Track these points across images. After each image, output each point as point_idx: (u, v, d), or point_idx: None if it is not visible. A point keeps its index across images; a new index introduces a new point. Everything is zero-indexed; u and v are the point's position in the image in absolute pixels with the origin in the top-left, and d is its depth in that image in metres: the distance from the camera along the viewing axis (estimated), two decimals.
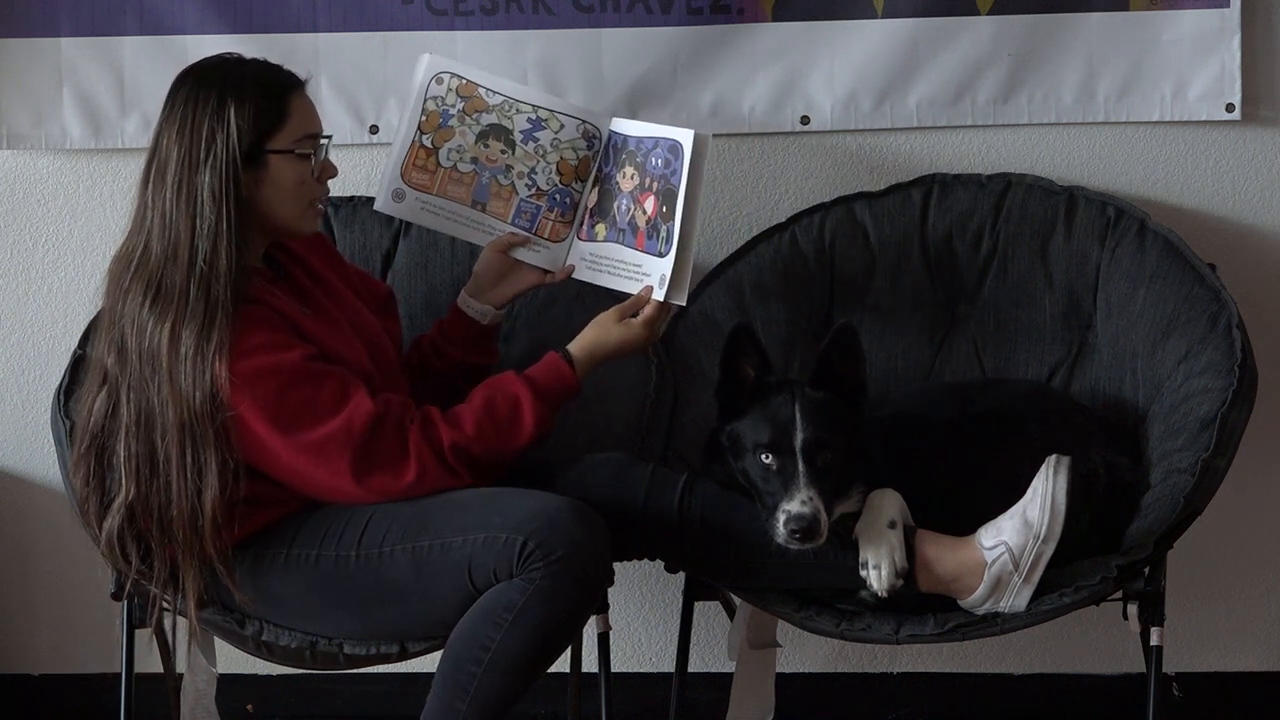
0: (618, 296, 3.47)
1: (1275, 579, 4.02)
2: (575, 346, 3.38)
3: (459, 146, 3.55)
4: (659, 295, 3.42)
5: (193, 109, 3.23)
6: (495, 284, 3.57)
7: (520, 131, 3.55)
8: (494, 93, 3.56)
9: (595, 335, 3.40)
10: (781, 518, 3.22)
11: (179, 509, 3.22)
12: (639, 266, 3.48)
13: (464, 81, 3.56)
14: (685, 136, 3.42)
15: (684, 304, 3.49)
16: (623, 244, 3.50)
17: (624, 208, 3.51)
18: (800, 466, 3.25)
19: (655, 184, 3.46)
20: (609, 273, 3.52)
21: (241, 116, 3.22)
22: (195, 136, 3.22)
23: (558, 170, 3.56)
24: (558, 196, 3.56)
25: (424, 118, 3.54)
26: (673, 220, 3.41)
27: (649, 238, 3.46)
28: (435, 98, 3.54)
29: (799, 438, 3.26)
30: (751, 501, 3.30)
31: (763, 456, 3.28)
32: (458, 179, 3.56)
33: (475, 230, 3.57)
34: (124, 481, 3.25)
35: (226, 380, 3.17)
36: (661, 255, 3.44)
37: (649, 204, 3.46)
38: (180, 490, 3.21)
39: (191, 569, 3.25)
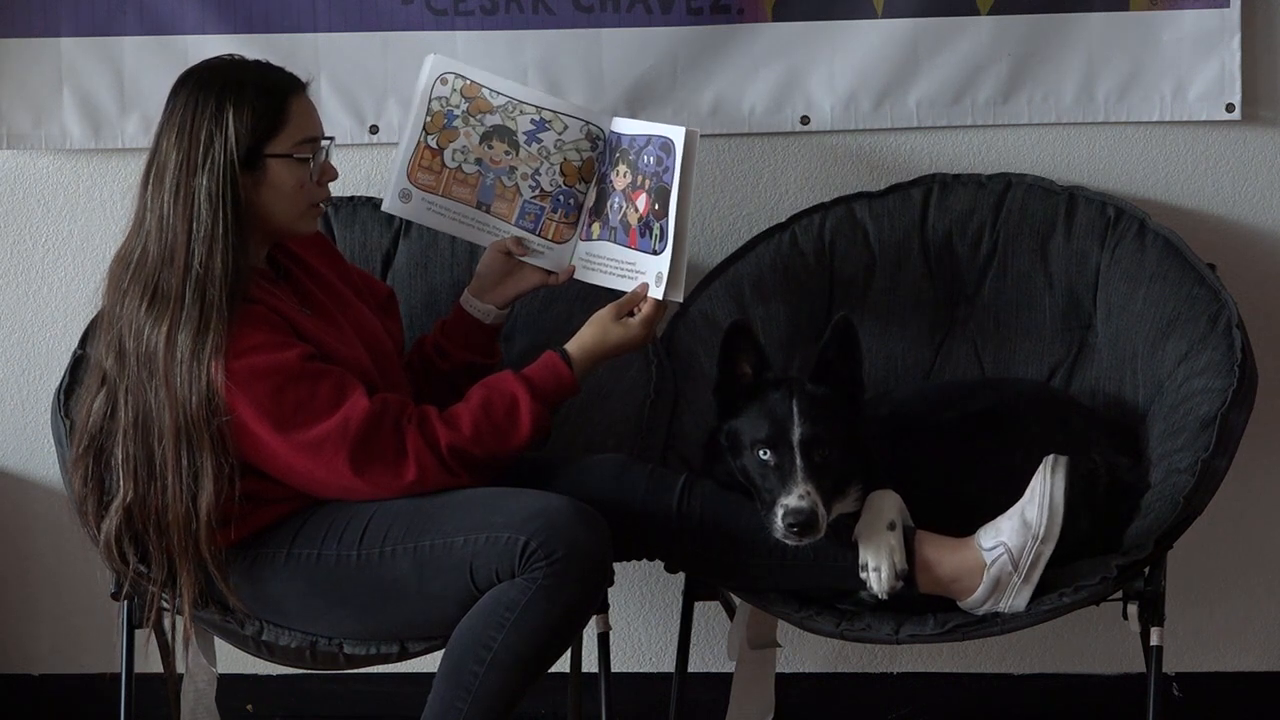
0: (616, 295, 3.47)
1: (1275, 579, 4.02)
2: (573, 346, 3.38)
3: (463, 147, 3.55)
4: (657, 293, 3.43)
5: (191, 112, 3.23)
6: (498, 284, 3.57)
7: (524, 133, 3.55)
8: (497, 94, 3.56)
9: (593, 335, 3.40)
10: (779, 512, 3.22)
11: (174, 513, 3.21)
12: (632, 264, 3.48)
13: (468, 82, 3.56)
14: (676, 134, 3.42)
15: (681, 300, 3.49)
16: (615, 242, 3.51)
17: (616, 206, 3.51)
18: (798, 461, 3.25)
19: (647, 182, 3.46)
20: (602, 271, 3.52)
21: (239, 121, 3.22)
22: (193, 140, 3.22)
23: (561, 171, 3.56)
24: (561, 198, 3.56)
25: (429, 118, 3.55)
26: (666, 217, 3.42)
27: (641, 235, 3.46)
28: (440, 98, 3.55)
29: (796, 433, 3.26)
30: (751, 501, 3.30)
31: (760, 453, 3.28)
32: (462, 180, 3.56)
33: (480, 231, 3.58)
34: (122, 483, 3.25)
35: (223, 381, 3.17)
36: (656, 253, 3.44)
37: (641, 202, 3.47)
38: (176, 494, 3.21)
39: (187, 572, 3.25)
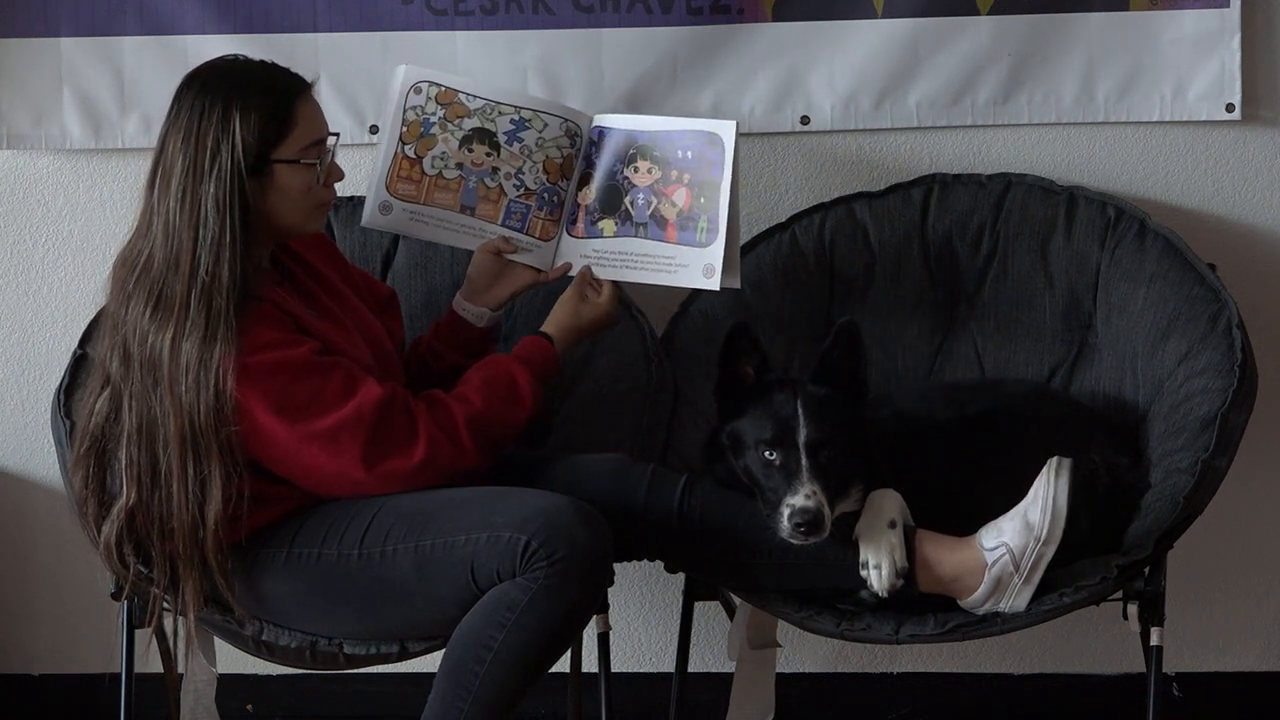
0: (647, 289, 3.52)
1: (1275, 579, 4.02)
2: (550, 327, 3.45)
3: (442, 154, 3.56)
4: (711, 284, 3.46)
5: (198, 118, 3.21)
6: (489, 286, 3.58)
7: (504, 133, 3.57)
8: (474, 97, 3.57)
9: (566, 314, 3.47)
10: (786, 512, 3.22)
11: (180, 520, 3.21)
12: (671, 258, 3.50)
13: (443, 89, 3.57)
14: (726, 128, 3.46)
15: (738, 287, 3.52)
16: (645, 238, 3.52)
17: (641, 202, 3.52)
18: (804, 462, 3.25)
19: (686, 176, 3.47)
20: (628, 267, 3.53)
21: (246, 128, 3.20)
22: (200, 147, 3.20)
23: (544, 169, 3.57)
24: (546, 195, 3.57)
25: (405, 128, 3.56)
26: (715, 210, 3.44)
27: (683, 229, 3.48)
28: (415, 107, 3.56)
29: (802, 433, 3.27)
30: (752, 501, 3.30)
31: (765, 453, 3.28)
32: (444, 186, 3.57)
33: (466, 235, 3.58)
34: (125, 488, 3.25)
35: (234, 382, 3.16)
36: (703, 245, 3.46)
37: (679, 196, 3.48)
38: (182, 502, 3.21)
39: (191, 579, 3.24)
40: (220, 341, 3.17)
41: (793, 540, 3.23)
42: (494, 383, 3.32)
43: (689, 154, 3.49)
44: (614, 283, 3.50)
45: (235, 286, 3.19)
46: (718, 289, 3.48)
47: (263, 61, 3.32)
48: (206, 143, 3.20)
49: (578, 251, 3.57)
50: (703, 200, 3.46)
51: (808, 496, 3.22)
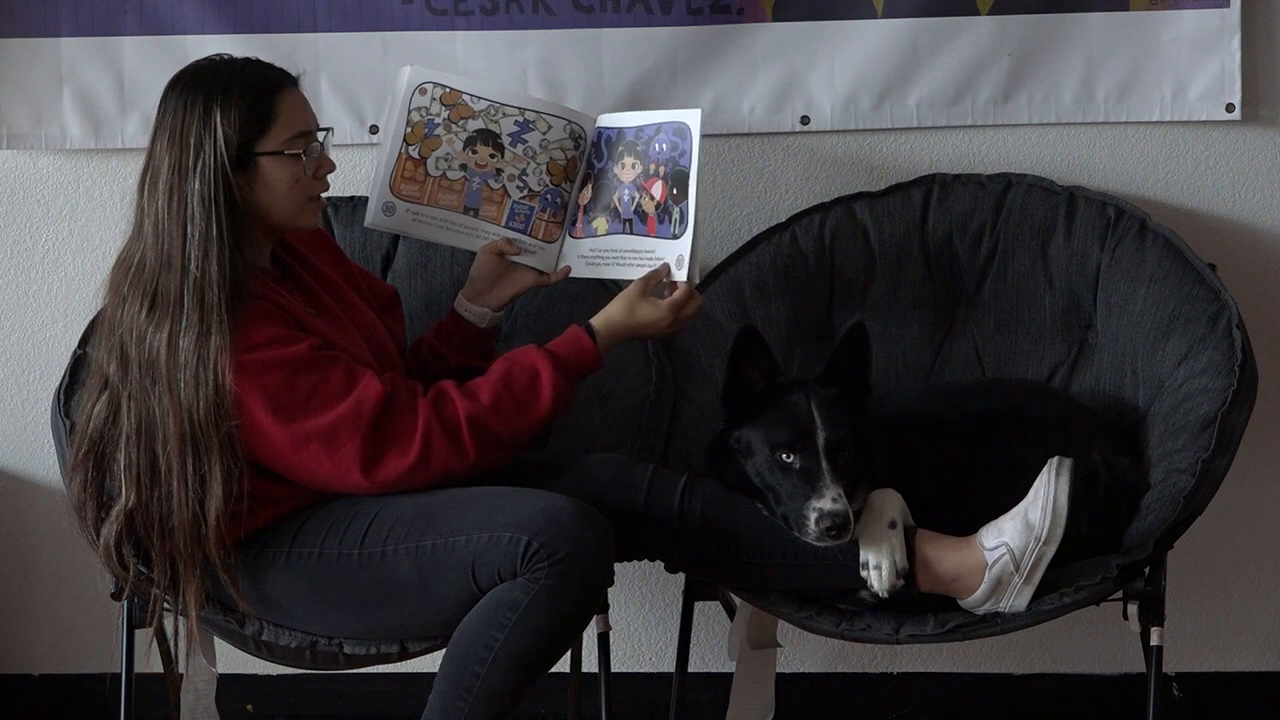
0: (622, 286, 3.48)
1: (1275, 579, 4.02)
2: (599, 320, 3.38)
3: (447, 154, 3.56)
4: (680, 275, 3.43)
5: (181, 116, 3.22)
6: (491, 287, 3.57)
7: (508, 134, 3.56)
8: (478, 98, 3.57)
9: (620, 311, 3.39)
10: (813, 515, 3.22)
11: (180, 518, 3.21)
12: (652, 251, 3.49)
13: (447, 90, 3.57)
14: (692, 117, 3.45)
15: (697, 281, 3.48)
16: (631, 233, 3.51)
17: (627, 198, 3.52)
18: (824, 464, 3.25)
19: (662, 169, 3.47)
20: (617, 264, 3.52)
21: (227, 121, 3.21)
22: (184, 144, 3.21)
23: (548, 171, 3.57)
24: (549, 197, 3.57)
25: (409, 129, 3.55)
26: (685, 200, 3.43)
27: (660, 222, 3.47)
28: (419, 108, 3.55)
29: (821, 436, 3.26)
30: (752, 501, 3.30)
31: (783, 456, 3.27)
32: (448, 187, 3.57)
33: (469, 236, 3.58)
34: (124, 489, 3.25)
35: (232, 379, 3.17)
36: (675, 237, 3.45)
37: (657, 189, 3.48)
38: (182, 499, 3.21)
39: (193, 577, 3.24)
40: (216, 335, 3.17)
41: (819, 544, 3.23)
42: (511, 379, 3.29)
43: (663, 146, 3.49)
44: (690, 290, 3.42)
45: (227, 281, 3.20)
46: (684, 280, 3.43)
47: (246, 58, 3.33)
48: (190, 140, 3.21)
49: (576, 252, 3.57)
50: (675, 191, 3.46)
51: (835, 500, 3.22)
